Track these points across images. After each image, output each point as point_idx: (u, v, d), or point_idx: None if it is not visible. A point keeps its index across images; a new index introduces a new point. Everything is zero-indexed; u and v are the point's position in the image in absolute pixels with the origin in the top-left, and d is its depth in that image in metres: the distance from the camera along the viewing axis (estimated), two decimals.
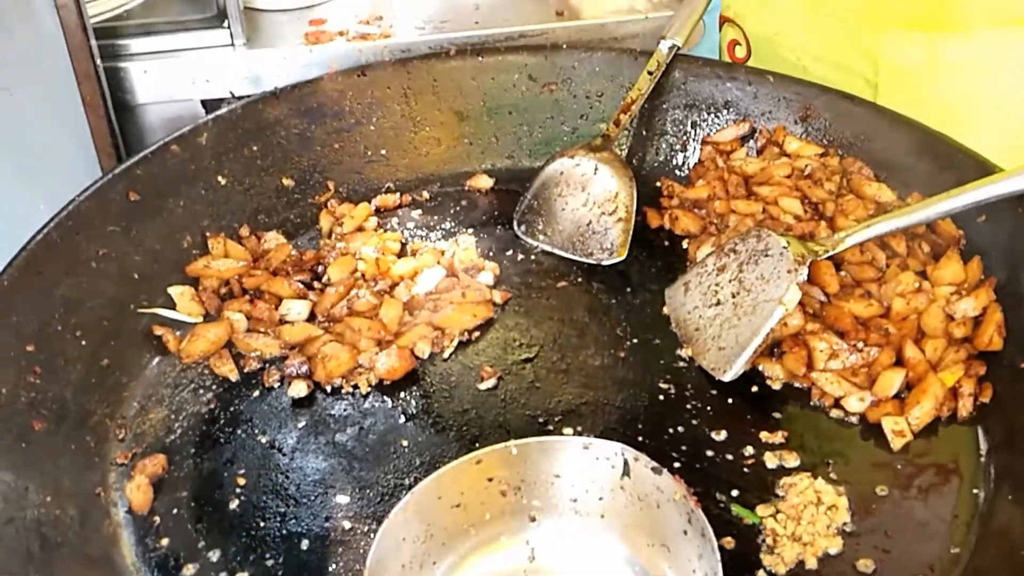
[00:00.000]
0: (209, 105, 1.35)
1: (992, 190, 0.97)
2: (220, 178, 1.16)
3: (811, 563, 0.82)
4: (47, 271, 0.99)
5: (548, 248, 1.15)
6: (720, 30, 1.45)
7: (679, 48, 1.24)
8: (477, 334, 1.04)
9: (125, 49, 1.32)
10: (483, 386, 0.98)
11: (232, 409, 0.98)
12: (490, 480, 0.81)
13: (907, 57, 1.18)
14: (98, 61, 1.21)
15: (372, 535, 0.84)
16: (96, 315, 1.01)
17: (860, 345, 0.97)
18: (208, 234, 1.13)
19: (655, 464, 0.78)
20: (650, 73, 1.22)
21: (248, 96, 1.28)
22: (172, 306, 1.07)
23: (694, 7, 1.27)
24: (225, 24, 1.31)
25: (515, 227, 1.17)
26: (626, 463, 0.80)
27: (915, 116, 1.12)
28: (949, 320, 0.98)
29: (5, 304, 0.95)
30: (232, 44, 1.33)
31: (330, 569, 0.83)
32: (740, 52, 1.40)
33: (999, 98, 1.19)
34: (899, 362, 0.96)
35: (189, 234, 1.12)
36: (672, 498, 0.77)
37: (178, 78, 1.32)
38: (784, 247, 0.98)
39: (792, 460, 0.90)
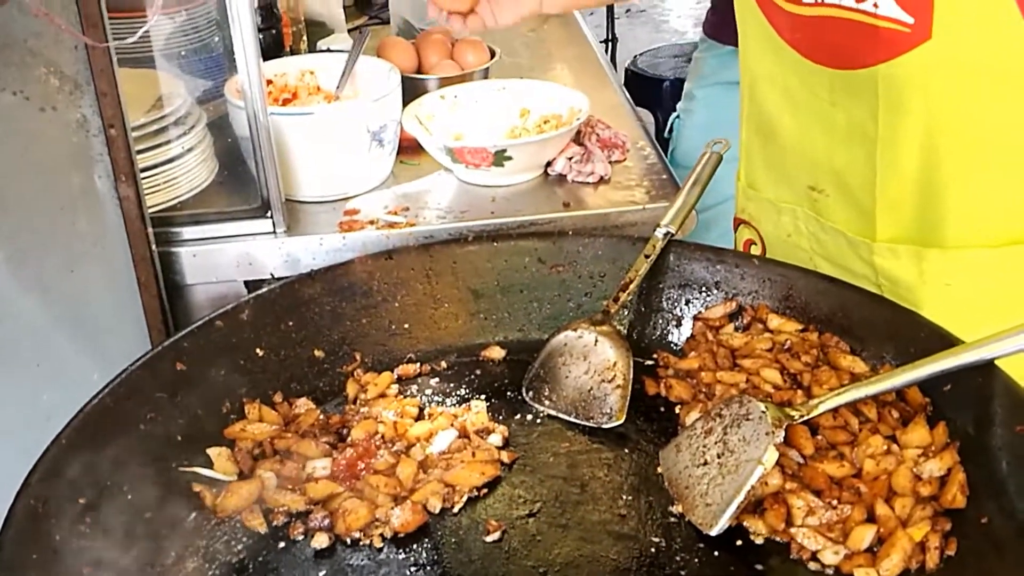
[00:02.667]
0: (251, 285, 1.47)
1: (953, 361, 1.04)
2: (258, 350, 1.26)
3: None
4: (101, 433, 1.08)
5: (553, 412, 1.23)
6: (736, 230, 1.54)
7: (673, 234, 1.34)
8: (485, 490, 1.11)
9: (177, 236, 1.45)
10: (489, 539, 1.05)
11: (260, 559, 1.04)
12: None
13: (900, 269, 1.25)
14: (154, 247, 1.33)
15: None
16: (142, 473, 1.09)
17: (835, 503, 1.03)
18: (245, 400, 1.22)
19: None
20: (647, 256, 1.32)
21: (287, 277, 1.40)
22: (210, 465, 1.15)
23: (687, 199, 1.38)
24: (268, 214, 1.44)
25: (523, 393, 1.25)
26: None
27: None
28: (917, 480, 1.05)
29: (63, 461, 1.03)
30: (274, 232, 1.45)
31: None
32: (755, 250, 1.48)
33: (988, 313, 1.21)
34: (871, 518, 1.02)
35: (228, 400, 1.21)
36: None
37: (224, 262, 1.45)
38: (763, 412, 1.06)
39: None
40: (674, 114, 2.68)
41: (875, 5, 1.12)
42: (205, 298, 1.47)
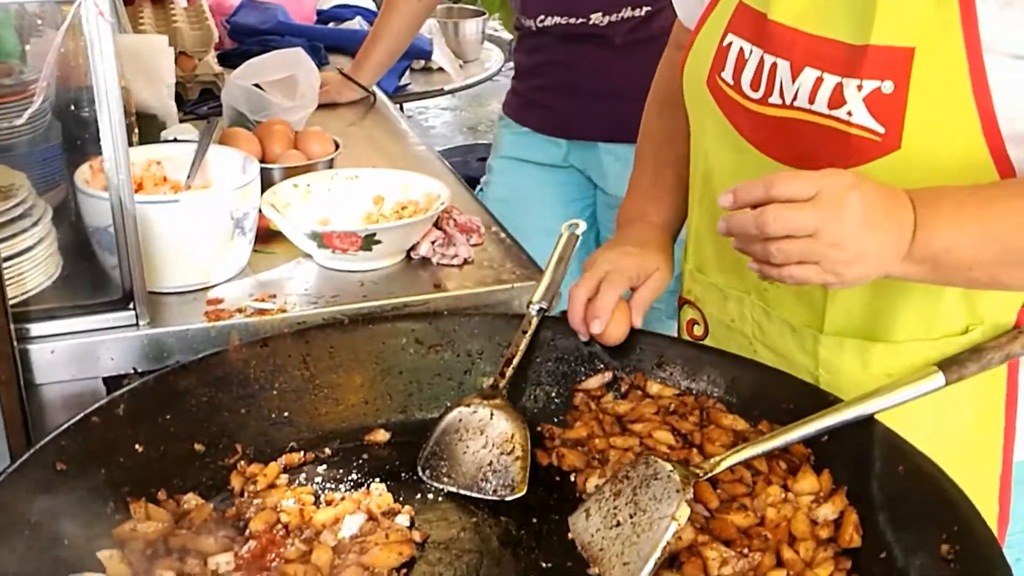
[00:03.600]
0: (110, 382, 1.39)
1: (839, 417, 1.13)
2: (137, 445, 1.19)
3: None
4: None
5: (453, 489, 1.22)
6: (680, 309, 1.55)
7: (545, 310, 1.39)
8: (405, 571, 1.09)
9: (28, 332, 1.36)
10: None
11: None
12: None
13: (844, 362, 1.29)
14: (15, 343, 1.25)
15: None
16: None
17: (745, 551, 1.08)
18: (129, 499, 1.15)
19: None
20: (524, 332, 1.36)
21: (154, 370, 1.34)
22: (102, 570, 1.07)
23: (554, 277, 1.43)
24: (131, 306, 1.38)
25: (420, 472, 1.24)
26: None
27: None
28: (813, 524, 1.12)
29: None
30: (137, 324, 1.39)
31: None
32: (698, 331, 1.50)
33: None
34: (780, 564, 1.08)
35: (112, 500, 1.14)
36: None
37: (83, 358, 1.36)
38: (670, 471, 1.10)
39: None
40: (478, 187, 2.77)
41: (848, 113, 1.15)
42: (59, 398, 1.38)
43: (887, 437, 1.13)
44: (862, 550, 1.08)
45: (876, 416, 1.14)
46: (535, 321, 1.38)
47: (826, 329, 1.29)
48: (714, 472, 1.12)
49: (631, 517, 1.10)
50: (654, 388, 1.34)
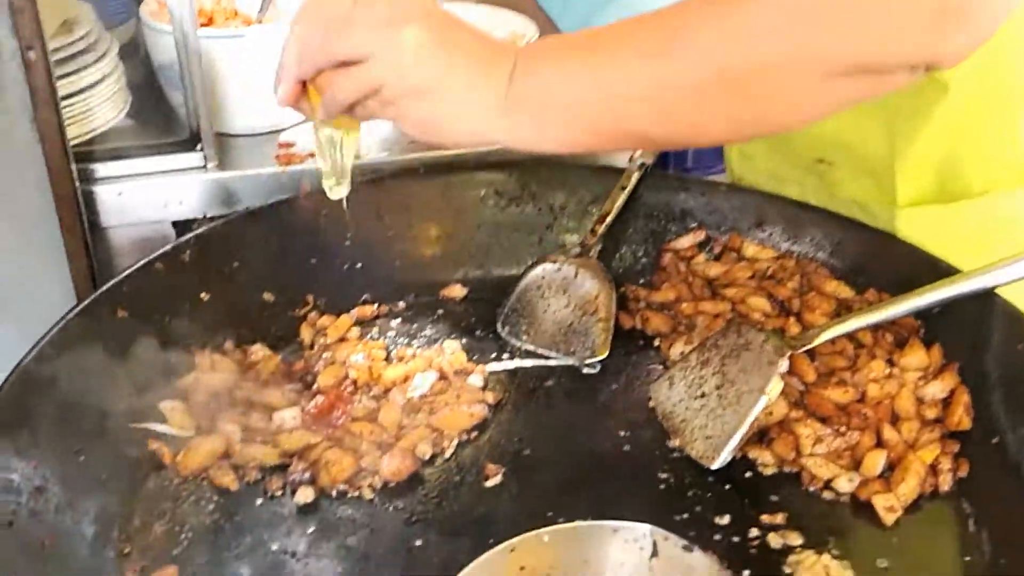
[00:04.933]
0: (180, 226, 1.36)
1: (955, 289, 1.02)
2: (204, 294, 1.16)
3: None
4: (40, 391, 0.97)
5: (531, 348, 1.17)
6: None
7: (648, 166, 1.30)
8: (475, 433, 1.05)
9: (96, 172, 1.32)
10: (489, 484, 0.99)
11: (237, 519, 0.96)
12: (522, 568, 0.82)
13: (922, 234, 1.19)
14: (77, 183, 1.21)
15: None
16: (91, 432, 0.99)
17: (842, 429, 1.01)
18: (195, 349, 1.12)
19: (685, 543, 0.80)
20: (623, 188, 1.28)
21: (221, 216, 1.30)
22: (164, 421, 1.05)
23: None
24: (198, 147, 1.33)
25: (499, 328, 1.19)
26: (655, 544, 0.81)
27: None
28: (920, 403, 1.04)
29: (3, 425, 0.92)
30: (205, 167, 1.34)
31: None
32: None
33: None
34: (879, 444, 1.01)
35: (177, 349, 1.11)
36: (709, 574, 0.79)
37: (151, 200, 1.33)
38: (764, 341, 1.03)
39: (795, 539, 0.92)
40: None
41: None
42: (128, 242, 1.35)
43: (1008, 311, 1.04)
44: (972, 433, 1.01)
45: (998, 292, 1.05)
46: (635, 177, 1.29)
47: (900, 200, 1.21)
48: (813, 344, 1.04)
49: (717, 388, 1.04)
50: (751, 250, 1.26)
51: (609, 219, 1.25)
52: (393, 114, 0.97)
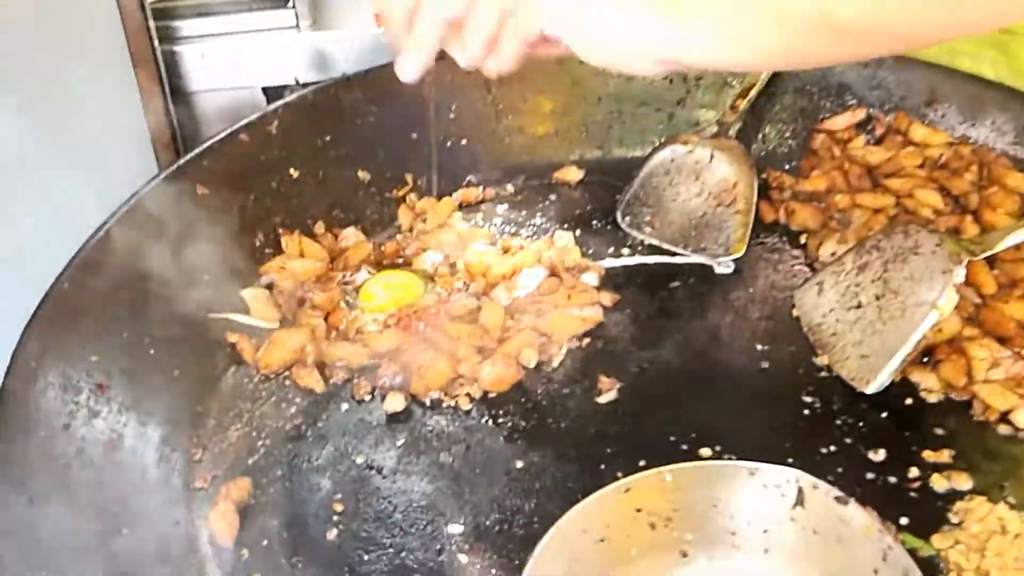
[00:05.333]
0: (271, 92, 1.25)
1: None
2: (292, 170, 1.06)
3: None
4: (107, 274, 0.89)
5: (655, 242, 1.04)
6: None
7: None
8: (587, 340, 0.94)
9: (179, 31, 1.22)
10: (602, 399, 0.88)
11: (320, 425, 0.88)
12: (638, 511, 0.71)
13: None
14: (156, 44, 1.11)
15: (494, 570, 0.75)
16: (164, 322, 0.91)
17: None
18: (281, 231, 1.02)
19: (839, 493, 0.67)
20: None
21: (316, 82, 1.18)
22: (246, 311, 0.97)
23: None
24: (290, 4, 1.21)
25: (618, 218, 1.06)
26: (800, 491, 0.69)
27: None
28: None
29: (63, 311, 0.84)
30: (297, 26, 1.22)
31: None
32: None
33: None
34: None
35: (261, 231, 1.02)
36: (862, 532, 0.66)
37: (238, 63, 1.22)
38: (938, 244, 0.87)
39: (964, 482, 0.79)
40: None
41: None
42: (215, 108, 1.25)
43: None
44: None
45: None
46: None
47: None
48: (995, 250, 0.88)
49: (877, 299, 0.90)
50: (920, 133, 1.09)
51: (753, 93, 1.10)
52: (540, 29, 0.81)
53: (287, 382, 0.91)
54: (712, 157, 1.05)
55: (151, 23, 1.09)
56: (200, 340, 0.93)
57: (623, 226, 1.06)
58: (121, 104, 1.12)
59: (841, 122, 1.13)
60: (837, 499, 0.67)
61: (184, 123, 1.23)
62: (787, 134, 1.15)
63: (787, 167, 1.13)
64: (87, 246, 0.89)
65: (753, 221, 1.04)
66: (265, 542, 0.78)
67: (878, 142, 1.11)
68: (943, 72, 1.11)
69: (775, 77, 1.14)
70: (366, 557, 0.76)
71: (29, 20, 1.06)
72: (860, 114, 1.12)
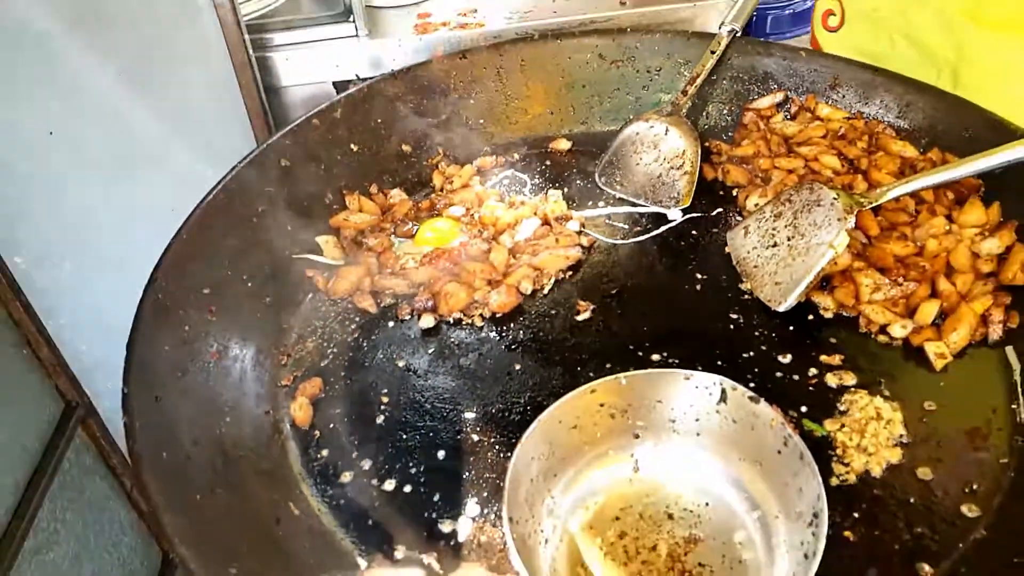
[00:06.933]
0: (339, 85, 1.20)
1: (1021, 151, 0.79)
2: (353, 145, 1.01)
3: (876, 472, 0.68)
4: (217, 226, 0.86)
5: (624, 196, 0.99)
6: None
7: (737, 32, 1.05)
8: (570, 273, 0.90)
9: (271, 41, 1.16)
10: (580, 318, 0.84)
11: (373, 337, 0.85)
12: (601, 405, 0.67)
13: (993, 57, 0.94)
14: (251, 51, 1.06)
15: (497, 447, 0.72)
16: (258, 261, 0.87)
17: (900, 280, 0.81)
18: (345, 192, 0.98)
19: (752, 394, 0.64)
20: (712, 52, 1.04)
21: (371, 77, 1.12)
22: (319, 252, 0.93)
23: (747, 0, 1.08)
24: (351, 19, 1.15)
25: (597, 179, 1.01)
26: (724, 392, 0.65)
27: (999, 101, 0.89)
28: (975, 257, 0.82)
29: (184, 255, 0.81)
30: (357, 35, 1.16)
31: (464, 476, 0.70)
32: (833, 22, 1.15)
33: None
34: (934, 294, 0.80)
35: (330, 192, 0.98)
36: (769, 423, 0.63)
37: (313, 64, 1.17)
38: (835, 198, 0.82)
39: (850, 379, 0.75)
40: None
41: None
42: (299, 99, 1.20)
43: None
44: None
45: None
46: (725, 42, 1.05)
47: (981, 18, 0.93)
48: (880, 202, 0.83)
49: (788, 240, 0.84)
50: (824, 110, 1.01)
51: (699, 81, 1.03)
52: None
53: (349, 306, 0.88)
54: (667, 131, 0.98)
55: (246, 36, 1.04)
56: (285, 275, 0.89)
57: (600, 184, 1.00)
58: (226, 98, 1.08)
59: (765, 103, 1.05)
60: (750, 398, 0.64)
61: (275, 111, 1.18)
62: (725, 112, 1.08)
63: (724, 138, 1.06)
64: (200, 206, 0.86)
65: (697, 179, 0.99)
66: (331, 425, 0.76)
67: (793, 118, 1.03)
68: (844, 62, 1.03)
69: (717, 67, 1.07)
70: (404, 436, 0.74)
71: (155, 38, 1.01)
72: (780, 96, 1.05)
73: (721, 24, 1.05)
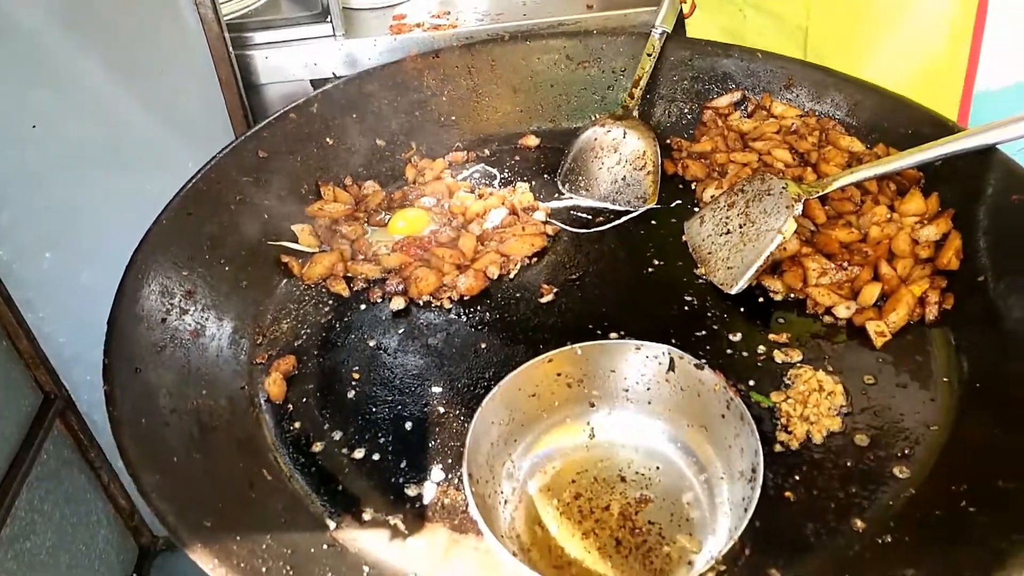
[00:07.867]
0: (316, 83, 1.24)
1: (959, 145, 0.84)
2: (328, 139, 1.05)
3: (817, 439, 0.72)
4: (196, 213, 0.89)
5: (591, 203, 1.03)
6: None
7: (668, 32, 1.10)
8: (535, 260, 0.94)
9: (250, 40, 1.20)
10: (543, 300, 0.88)
11: (345, 319, 0.88)
12: (559, 375, 0.71)
13: (837, 18, 0.99)
14: (231, 48, 1.09)
15: (463, 418, 0.76)
16: (236, 247, 0.91)
17: (845, 265, 0.86)
18: (320, 183, 1.02)
19: (697, 361, 0.68)
20: (649, 55, 1.09)
21: (347, 75, 1.16)
22: (295, 239, 0.97)
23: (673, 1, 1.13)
24: (328, 19, 1.19)
25: (559, 186, 1.05)
26: (672, 360, 0.69)
27: (842, 59, 0.95)
28: (915, 244, 0.87)
29: (165, 240, 0.85)
30: (334, 35, 1.20)
31: (430, 445, 0.74)
32: (686, 8, 1.20)
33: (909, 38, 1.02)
34: (876, 278, 0.85)
35: (306, 183, 1.01)
36: (712, 388, 0.67)
37: (292, 62, 1.20)
38: (783, 188, 0.87)
39: (796, 356, 0.79)
40: None
41: None
42: (278, 96, 1.24)
43: (1005, 165, 0.85)
44: (959, 273, 0.84)
45: (998, 148, 0.85)
46: (658, 44, 1.10)
47: None
48: (826, 191, 0.88)
49: (741, 227, 0.89)
50: (779, 108, 1.07)
51: (642, 82, 1.07)
52: None
53: (323, 290, 0.92)
54: (625, 133, 1.03)
55: (227, 34, 1.07)
56: (261, 260, 0.93)
57: (564, 192, 1.04)
58: (207, 93, 1.11)
59: (724, 101, 1.10)
60: (696, 366, 0.68)
61: (255, 108, 1.21)
62: (686, 110, 1.13)
63: (686, 135, 1.11)
64: (180, 193, 0.89)
65: (660, 176, 1.03)
66: (304, 399, 0.79)
67: (750, 115, 1.08)
68: (798, 63, 1.08)
69: (678, 67, 1.12)
70: (374, 409, 0.78)
71: (137, 37, 1.05)
72: (737, 95, 1.10)
73: (652, 27, 1.10)
